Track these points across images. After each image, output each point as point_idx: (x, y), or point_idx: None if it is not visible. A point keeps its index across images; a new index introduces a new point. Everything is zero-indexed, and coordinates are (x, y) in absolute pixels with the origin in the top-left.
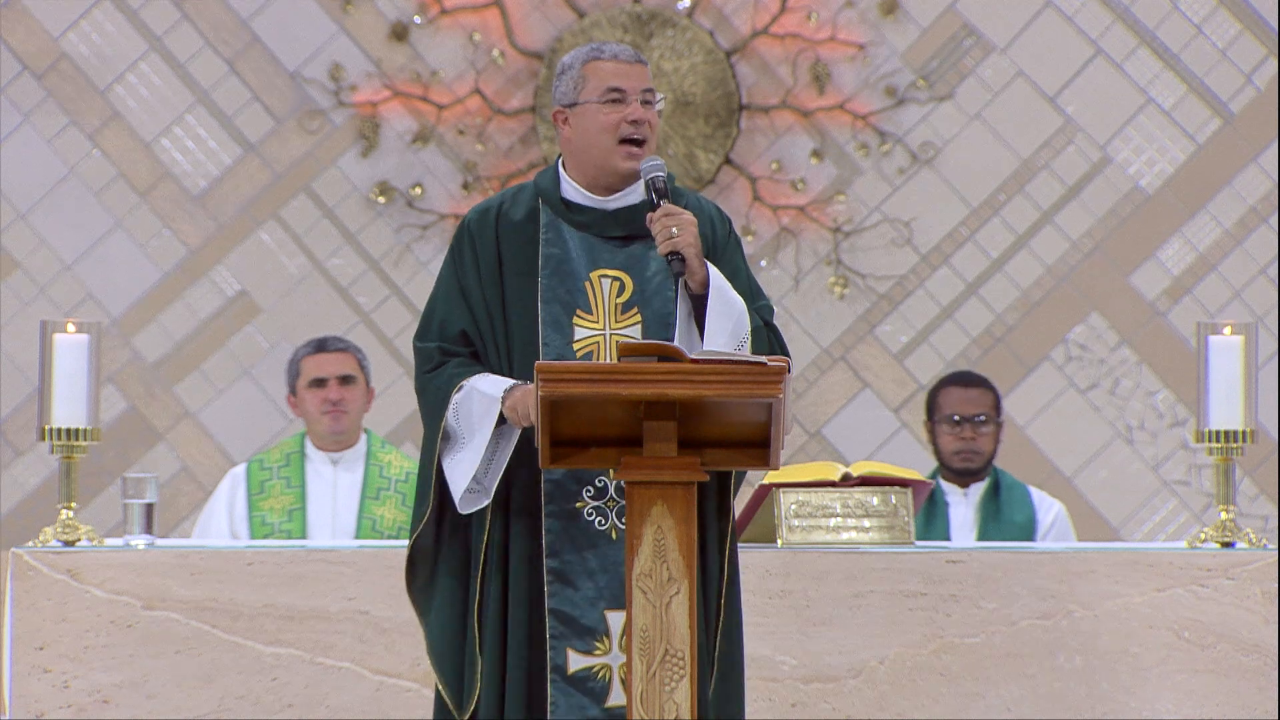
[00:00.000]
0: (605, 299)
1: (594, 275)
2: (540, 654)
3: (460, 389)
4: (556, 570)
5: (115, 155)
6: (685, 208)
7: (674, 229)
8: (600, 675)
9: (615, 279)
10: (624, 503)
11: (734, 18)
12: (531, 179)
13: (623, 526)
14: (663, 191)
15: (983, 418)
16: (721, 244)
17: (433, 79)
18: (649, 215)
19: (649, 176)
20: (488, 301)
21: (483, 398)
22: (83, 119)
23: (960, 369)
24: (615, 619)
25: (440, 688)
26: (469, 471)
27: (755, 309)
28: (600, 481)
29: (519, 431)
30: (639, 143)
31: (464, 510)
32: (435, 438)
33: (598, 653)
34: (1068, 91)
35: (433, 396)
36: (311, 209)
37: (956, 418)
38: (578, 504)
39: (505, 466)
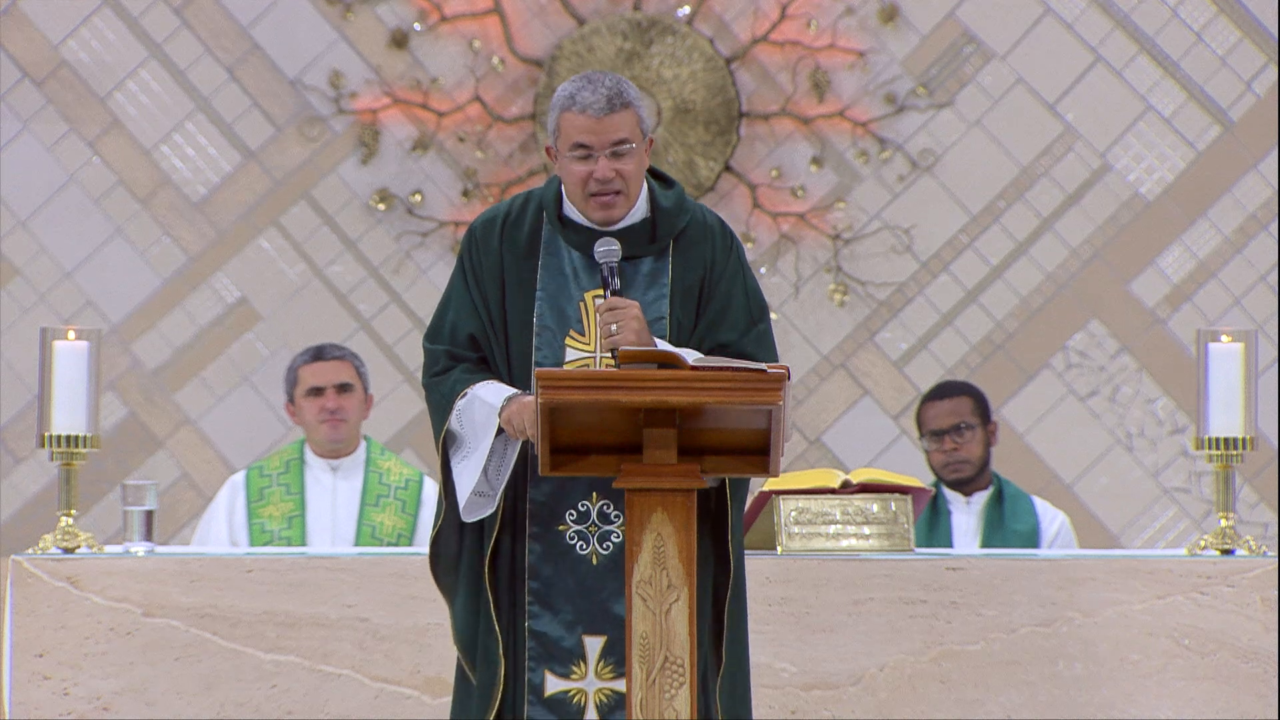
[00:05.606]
0: (598, 321)
1: (588, 296)
2: (521, 672)
3: (464, 395)
4: (537, 591)
5: (115, 162)
6: (690, 225)
7: (614, 326)
8: (575, 700)
9: None
10: (605, 528)
11: (734, 25)
12: (538, 187)
13: (604, 552)
14: (610, 281)
15: (963, 426)
16: (720, 269)
17: (433, 86)
18: (598, 305)
19: (602, 261)
20: (490, 312)
21: (484, 405)
22: (83, 126)
23: (947, 379)
24: (593, 644)
25: (468, 672)
26: (472, 478)
27: (745, 339)
28: (583, 505)
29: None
30: (611, 193)
31: (467, 518)
32: (440, 439)
33: (574, 677)
34: (1067, 99)
35: (438, 400)
36: (311, 216)
37: (937, 432)
38: (560, 526)
39: (511, 473)
